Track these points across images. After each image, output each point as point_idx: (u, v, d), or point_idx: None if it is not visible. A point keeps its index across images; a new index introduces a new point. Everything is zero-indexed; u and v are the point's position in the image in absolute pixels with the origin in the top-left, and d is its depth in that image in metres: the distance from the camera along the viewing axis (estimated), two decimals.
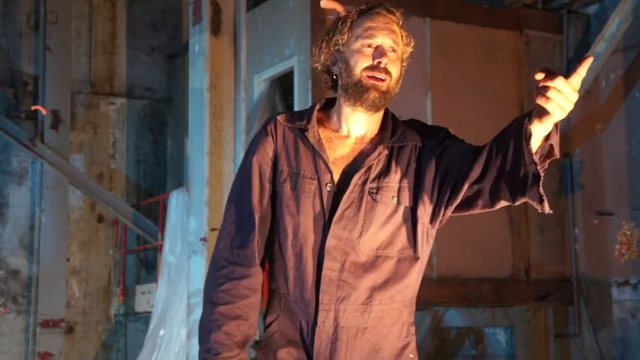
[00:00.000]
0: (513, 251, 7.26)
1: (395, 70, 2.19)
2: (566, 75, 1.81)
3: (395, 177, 2.18)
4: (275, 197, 2.21)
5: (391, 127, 2.23)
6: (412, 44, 2.25)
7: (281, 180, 2.19)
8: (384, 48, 2.17)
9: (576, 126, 7.58)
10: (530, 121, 1.88)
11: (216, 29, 6.28)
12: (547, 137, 1.92)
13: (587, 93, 7.21)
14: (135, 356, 8.82)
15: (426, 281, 7.61)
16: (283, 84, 7.44)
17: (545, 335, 7.50)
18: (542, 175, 1.93)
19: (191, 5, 6.49)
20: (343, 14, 2.26)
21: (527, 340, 7.54)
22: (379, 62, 2.15)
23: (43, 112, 9.23)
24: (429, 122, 6.90)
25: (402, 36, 2.22)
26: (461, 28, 7.25)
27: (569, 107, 1.82)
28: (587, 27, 7.68)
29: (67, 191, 9.41)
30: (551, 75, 1.80)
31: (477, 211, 2.11)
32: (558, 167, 7.57)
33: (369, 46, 2.17)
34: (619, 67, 7.29)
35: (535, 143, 1.91)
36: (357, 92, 2.16)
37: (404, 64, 2.25)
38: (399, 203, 2.17)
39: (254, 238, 2.18)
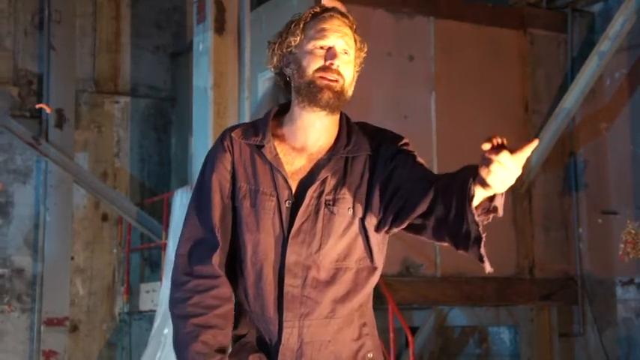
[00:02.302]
0: (517, 250, 7.25)
1: (347, 73, 2.17)
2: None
3: (350, 188, 2.16)
4: (234, 213, 2.18)
5: (346, 135, 2.20)
6: (365, 49, 2.24)
7: (240, 197, 2.16)
8: (337, 50, 2.15)
9: (581, 125, 7.57)
10: (474, 181, 1.85)
11: (220, 28, 6.29)
12: (492, 197, 1.89)
13: (591, 92, 7.20)
14: (139, 355, 8.84)
15: (429, 280, 7.55)
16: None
17: (550, 334, 7.49)
18: (483, 236, 1.92)
19: (195, 4, 6.49)
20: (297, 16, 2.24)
21: (531, 339, 7.54)
22: (331, 63, 2.13)
23: (48, 110, 9.24)
24: (434, 121, 6.96)
25: (355, 40, 2.21)
26: (465, 27, 7.24)
27: (511, 182, 1.80)
28: (592, 26, 7.66)
29: (72, 190, 9.42)
30: (497, 147, 1.78)
31: (423, 239, 2.09)
32: (563, 166, 7.56)
33: (322, 47, 2.15)
34: (623, 66, 7.27)
35: (479, 198, 1.88)
36: (310, 93, 2.14)
37: (357, 68, 2.23)
38: (354, 214, 2.15)
39: (217, 254, 2.15)
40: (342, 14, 2.20)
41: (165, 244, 8.69)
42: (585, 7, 7.70)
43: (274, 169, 2.16)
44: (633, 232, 6.70)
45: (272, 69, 2.25)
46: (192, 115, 6.49)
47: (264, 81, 7.52)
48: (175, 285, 2.18)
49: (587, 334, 7.38)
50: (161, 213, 9.38)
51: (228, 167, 2.20)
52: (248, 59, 6.33)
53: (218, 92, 6.22)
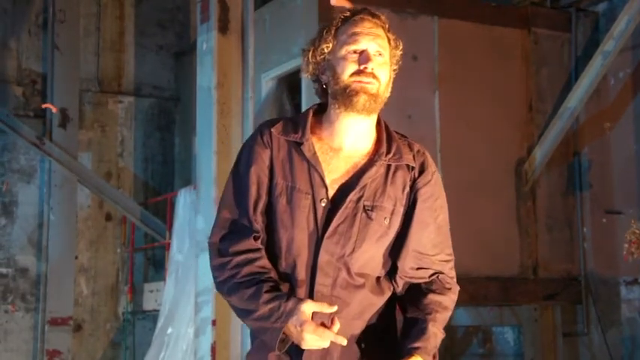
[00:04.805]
0: (521, 250, 7.24)
1: (383, 74, 2.18)
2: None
3: (390, 199, 2.18)
4: (270, 210, 2.18)
5: (386, 141, 2.21)
6: (401, 47, 2.25)
7: (276, 193, 2.17)
8: (370, 53, 2.16)
9: (585, 124, 7.55)
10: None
11: (223, 27, 6.28)
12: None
13: (595, 91, 7.19)
14: (143, 354, 8.84)
15: None
16: (291, 82, 7.44)
17: (553, 334, 7.48)
18: None
19: (199, 4, 6.49)
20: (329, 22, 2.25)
21: (535, 339, 7.52)
22: (365, 67, 2.14)
23: (54, 110, 9.25)
24: (437, 121, 6.95)
25: (389, 40, 2.22)
26: (469, 27, 7.23)
27: None
28: (596, 25, 7.65)
29: (76, 189, 9.43)
30: None
31: None
32: (567, 166, 7.55)
33: (355, 51, 2.16)
34: (628, 66, 7.26)
35: None
36: (347, 97, 2.14)
37: (394, 67, 2.24)
38: (390, 226, 2.17)
39: (255, 238, 2.17)
40: (373, 15, 2.20)
41: (169, 244, 8.70)
42: (589, 7, 7.68)
43: (312, 167, 2.16)
44: (637, 231, 6.69)
45: (308, 76, 2.25)
46: (196, 115, 6.49)
47: (268, 81, 7.51)
48: (216, 269, 2.18)
49: (591, 333, 7.36)
50: (165, 212, 9.38)
51: (267, 162, 2.19)
52: (252, 59, 6.32)
53: (222, 92, 6.21)
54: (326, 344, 2.05)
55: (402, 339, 2.17)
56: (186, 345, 7.70)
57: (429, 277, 2.22)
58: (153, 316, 9.34)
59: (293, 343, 2.12)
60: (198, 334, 6.21)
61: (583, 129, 7.55)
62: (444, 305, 2.21)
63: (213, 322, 5.99)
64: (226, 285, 2.15)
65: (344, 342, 2.05)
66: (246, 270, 2.13)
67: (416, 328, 2.15)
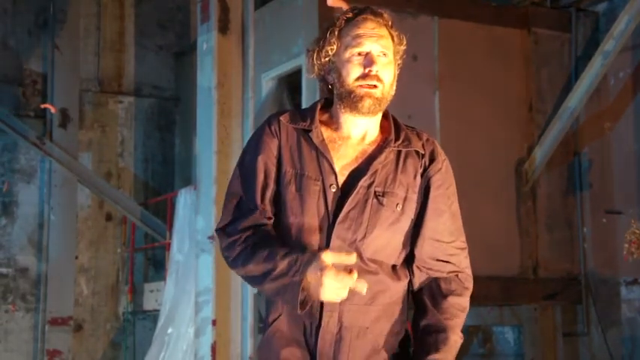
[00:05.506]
0: (522, 250, 7.24)
1: (388, 75, 2.20)
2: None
3: (401, 186, 2.20)
4: (278, 198, 2.20)
5: (394, 129, 2.24)
6: (404, 42, 2.25)
7: (285, 181, 2.18)
8: (374, 55, 2.17)
9: (585, 124, 7.55)
10: None
11: (224, 28, 6.29)
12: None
13: (595, 91, 7.19)
14: (143, 354, 8.84)
15: None
16: (291, 82, 7.44)
17: (554, 334, 7.48)
18: None
19: (199, 4, 6.49)
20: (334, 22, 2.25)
21: (535, 339, 7.53)
22: (370, 71, 2.16)
23: (53, 110, 9.25)
24: (437, 121, 6.95)
25: (392, 37, 2.22)
26: (469, 27, 7.23)
27: None
28: (596, 25, 7.65)
29: (76, 189, 9.44)
30: None
31: None
32: (567, 166, 7.55)
33: (359, 54, 2.17)
34: (628, 66, 7.26)
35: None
36: (352, 102, 2.17)
37: (398, 62, 2.25)
38: (402, 212, 2.19)
39: (259, 219, 2.18)
40: (376, 14, 2.21)
41: (169, 244, 8.70)
42: (590, 7, 7.68)
43: (320, 154, 2.18)
44: (637, 231, 6.69)
45: (314, 76, 2.27)
46: (196, 115, 6.49)
47: (268, 81, 7.51)
48: (227, 249, 2.18)
49: (591, 333, 7.36)
50: (165, 213, 9.38)
51: (275, 151, 2.21)
52: (252, 59, 6.33)
53: (222, 92, 6.22)
54: (344, 294, 2.02)
55: (421, 346, 2.19)
56: (187, 345, 7.70)
57: (447, 272, 2.24)
58: (153, 316, 9.34)
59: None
60: (198, 334, 6.22)
61: (583, 129, 7.55)
62: (463, 306, 2.26)
63: (213, 322, 6.00)
64: (241, 258, 2.15)
65: (364, 289, 2.03)
66: (257, 237, 2.14)
67: (435, 336, 2.18)
